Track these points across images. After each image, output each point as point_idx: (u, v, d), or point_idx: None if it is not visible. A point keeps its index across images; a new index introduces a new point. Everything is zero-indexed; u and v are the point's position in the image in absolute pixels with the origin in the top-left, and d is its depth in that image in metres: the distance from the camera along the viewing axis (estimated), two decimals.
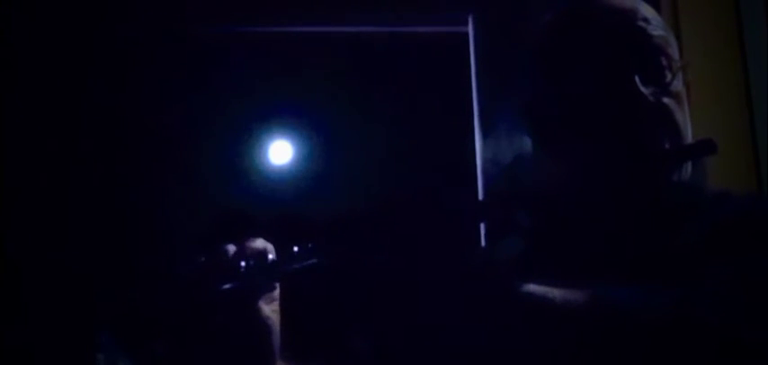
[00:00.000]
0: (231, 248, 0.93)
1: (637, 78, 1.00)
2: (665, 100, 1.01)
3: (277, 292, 0.98)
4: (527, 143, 1.15)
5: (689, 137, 1.04)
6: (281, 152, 2.28)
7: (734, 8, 1.81)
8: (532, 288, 0.81)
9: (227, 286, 0.90)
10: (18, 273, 1.72)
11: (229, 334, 0.94)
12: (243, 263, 0.91)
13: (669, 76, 1.02)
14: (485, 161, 1.86)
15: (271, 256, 0.93)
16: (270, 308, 0.97)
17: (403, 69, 2.21)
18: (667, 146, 1.00)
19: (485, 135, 1.87)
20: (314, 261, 0.89)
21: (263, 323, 0.96)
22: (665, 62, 1.03)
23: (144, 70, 1.99)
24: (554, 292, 0.81)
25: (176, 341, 0.93)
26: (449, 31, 2.04)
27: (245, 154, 2.23)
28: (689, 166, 1.03)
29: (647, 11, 1.06)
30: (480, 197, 1.85)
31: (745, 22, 1.79)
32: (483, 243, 1.57)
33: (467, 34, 1.97)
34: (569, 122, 1.03)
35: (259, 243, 0.94)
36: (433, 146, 2.22)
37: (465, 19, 1.97)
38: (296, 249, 0.91)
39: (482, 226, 1.63)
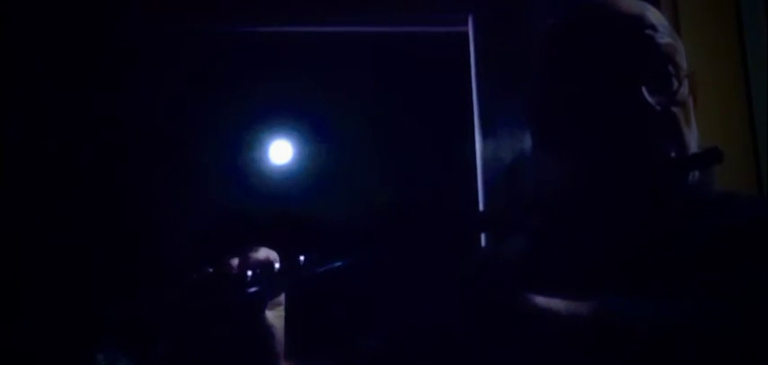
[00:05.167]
0: (236, 259, 0.93)
1: (643, 87, 0.99)
2: (672, 108, 1.00)
3: (282, 297, 0.98)
4: (527, 143, 1.14)
5: (695, 145, 1.03)
6: (280, 152, 2.27)
7: (734, 8, 1.81)
8: (536, 299, 0.80)
9: (232, 296, 0.91)
10: (20, 274, 1.71)
11: (234, 341, 0.94)
12: (249, 273, 0.91)
13: (676, 85, 1.01)
14: (485, 161, 1.86)
15: (276, 265, 0.93)
16: (274, 314, 0.97)
17: (403, 69, 2.21)
18: (673, 154, 0.99)
19: (485, 135, 1.87)
20: (323, 268, 0.89)
21: (267, 329, 0.96)
22: (672, 70, 1.01)
23: (144, 70, 1.99)
24: (558, 304, 0.80)
25: (179, 344, 0.93)
26: (449, 31, 2.04)
27: (244, 154, 2.22)
28: (696, 174, 1.01)
29: (655, 17, 1.04)
30: (481, 197, 1.86)
31: (746, 22, 1.79)
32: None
33: (467, 34, 1.97)
34: (574, 129, 1.02)
35: (263, 253, 0.94)
36: (433, 146, 2.22)
37: (465, 19, 1.97)
38: (302, 258, 0.92)
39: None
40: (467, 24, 1.97)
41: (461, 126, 1.95)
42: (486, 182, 1.85)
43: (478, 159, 1.88)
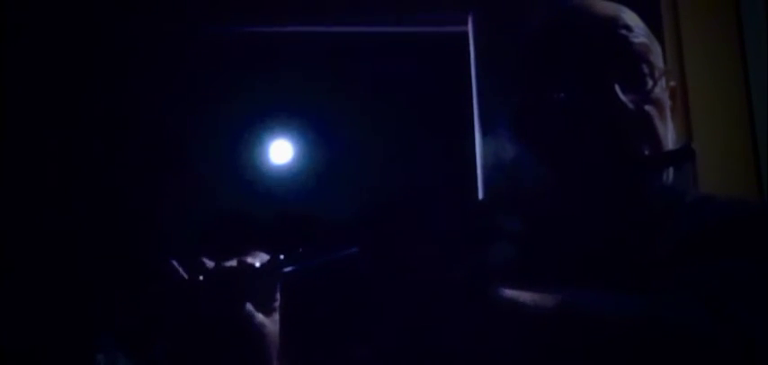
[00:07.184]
0: (230, 263, 0.94)
1: (617, 86, 1.00)
2: (646, 107, 1.01)
3: (277, 303, 0.98)
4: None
5: (671, 143, 1.04)
6: (280, 152, 2.28)
7: (734, 9, 1.81)
8: (503, 292, 0.80)
9: (220, 299, 0.92)
10: (20, 274, 1.72)
11: (227, 344, 0.95)
12: (235, 276, 0.92)
13: (650, 84, 1.03)
14: (485, 161, 1.86)
15: (257, 264, 0.94)
16: (269, 320, 0.98)
17: (403, 69, 2.21)
18: (647, 152, 1.00)
19: (485, 135, 1.88)
20: (302, 264, 0.90)
21: (260, 332, 0.96)
22: (646, 69, 1.03)
23: (144, 70, 2.00)
24: (525, 296, 0.80)
25: (175, 346, 0.93)
26: (449, 31, 2.04)
27: (244, 154, 2.23)
28: (671, 172, 1.03)
29: (630, 18, 1.06)
30: (480, 197, 1.86)
31: (745, 22, 1.80)
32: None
33: (467, 34, 1.97)
34: (551, 128, 1.03)
35: (250, 256, 0.95)
36: (433, 146, 2.23)
37: (465, 19, 1.98)
38: (282, 257, 0.93)
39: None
40: (467, 24, 1.97)
41: (461, 126, 1.95)
42: (485, 183, 1.86)
43: (478, 159, 1.88)
